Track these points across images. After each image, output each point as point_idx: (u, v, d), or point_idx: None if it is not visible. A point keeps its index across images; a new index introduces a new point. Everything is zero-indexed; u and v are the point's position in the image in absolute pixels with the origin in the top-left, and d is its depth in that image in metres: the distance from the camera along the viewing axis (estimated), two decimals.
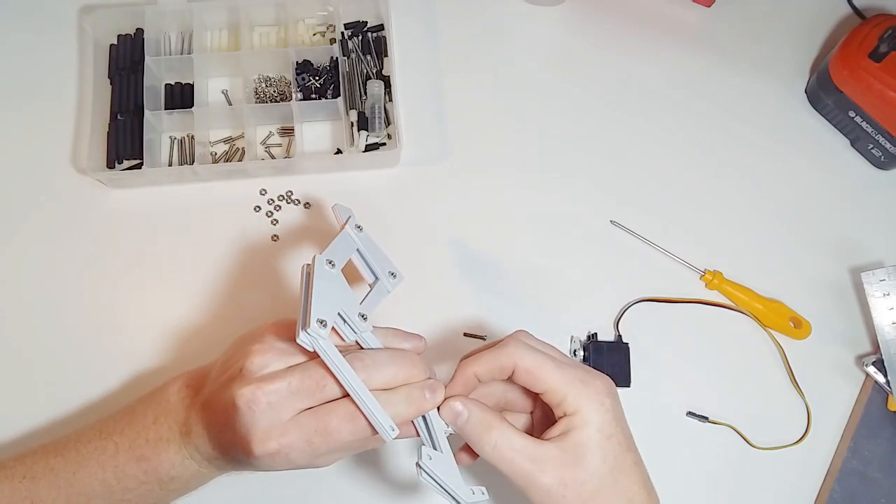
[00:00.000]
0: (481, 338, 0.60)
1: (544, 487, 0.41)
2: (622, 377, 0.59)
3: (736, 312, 0.62)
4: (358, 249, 0.48)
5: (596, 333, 0.61)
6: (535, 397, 0.47)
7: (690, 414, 0.59)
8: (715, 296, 0.62)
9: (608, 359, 0.59)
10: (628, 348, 0.60)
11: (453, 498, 0.42)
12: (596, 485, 0.41)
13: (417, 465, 0.42)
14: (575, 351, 0.60)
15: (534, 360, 0.43)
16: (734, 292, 0.62)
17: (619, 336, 0.61)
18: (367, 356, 0.43)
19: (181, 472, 0.47)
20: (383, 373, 0.43)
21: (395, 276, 0.49)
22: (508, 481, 0.42)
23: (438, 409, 0.44)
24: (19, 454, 0.49)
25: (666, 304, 0.62)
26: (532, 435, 0.43)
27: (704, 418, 0.59)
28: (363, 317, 0.44)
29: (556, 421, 0.43)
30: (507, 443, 0.42)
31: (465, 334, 0.60)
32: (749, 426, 0.59)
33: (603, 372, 0.58)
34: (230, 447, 0.43)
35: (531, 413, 0.48)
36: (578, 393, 0.42)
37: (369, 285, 0.49)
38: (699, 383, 0.60)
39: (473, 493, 0.43)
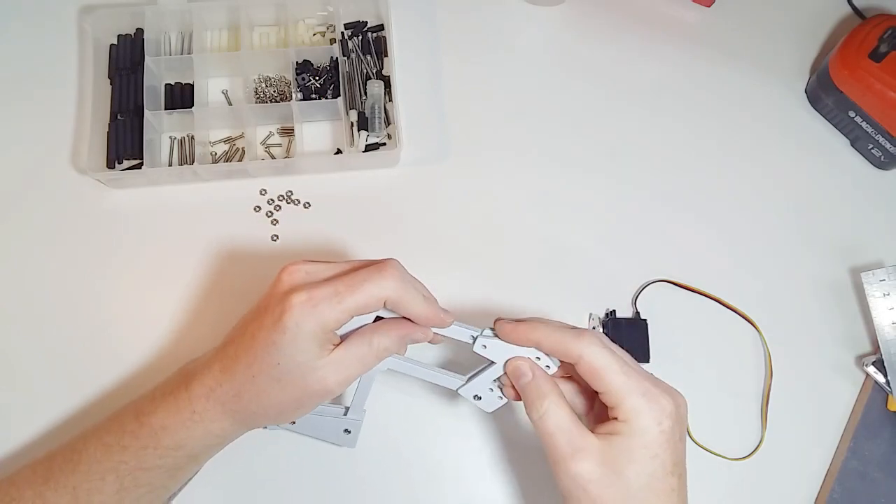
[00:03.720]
0: None
1: (571, 473, 0.41)
2: (641, 352, 0.59)
3: (741, 318, 0.62)
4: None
5: (614, 310, 0.61)
6: (593, 397, 0.47)
7: None
8: (728, 295, 0.62)
9: (627, 335, 0.60)
10: (647, 324, 0.60)
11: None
12: (621, 496, 0.41)
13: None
14: (594, 328, 0.61)
15: (603, 358, 0.42)
16: None
17: (637, 313, 0.61)
18: (404, 269, 0.46)
19: (174, 423, 0.46)
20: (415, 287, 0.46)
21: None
22: (543, 450, 0.43)
23: (505, 364, 0.47)
24: (11, 475, 0.48)
25: (681, 289, 0.62)
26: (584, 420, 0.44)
27: None
28: None
29: (609, 420, 0.43)
30: (554, 417, 0.43)
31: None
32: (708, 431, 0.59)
33: (622, 348, 0.59)
34: (254, 328, 0.44)
35: (587, 414, 0.48)
36: (638, 404, 0.42)
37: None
38: (690, 375, 0.60)
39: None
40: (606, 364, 0.42)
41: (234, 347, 0.45)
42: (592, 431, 0.43)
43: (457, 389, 0.50)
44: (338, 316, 0.43)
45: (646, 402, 0.42)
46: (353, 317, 0.44)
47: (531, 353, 0.47)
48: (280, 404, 0.45)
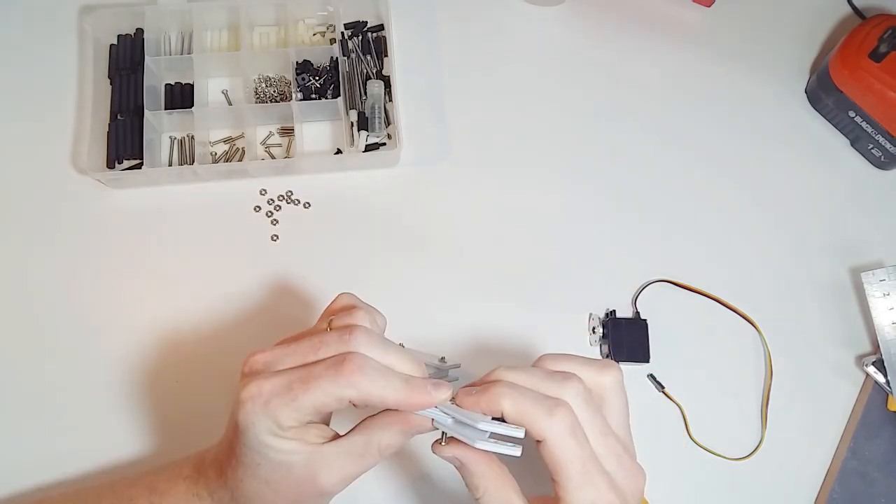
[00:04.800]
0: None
1: None
2: (642, 352, 0.60)
3: (743, 319, 0.62)
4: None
5: (615, 310, 0.61)
6: None
7: (651, 376, 0.60)
8: (728, 295, 0.62)
9: (628, 335, 0.60)
10: (647, 324, 0.60)
11: (470, 428, 0.39)
12: None
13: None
14: (594, 328, 0.61)
15: (567, 450, 0.37)
16: None
17: (637, 313, 0.61)
18: (376, 334, 0.40)
19: None
20: (386, 357, 0.39)
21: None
22: None
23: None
24: (65, 493, 0.49)
25: (681, 289, 0.62)
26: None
27: (661, 386, 0.60)
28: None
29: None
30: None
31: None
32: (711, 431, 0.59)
33: (622, 348, 0.59)
34: (228, 433, 0.41)
35: None
36: None
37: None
38: (690, 375, 0.60)
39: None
40: (569, 458, 0.37)
41: (225, 447, 0.42)
42: None
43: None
44: (293, 415, 0.38)
45: None
46: (311, 416, 0.39)
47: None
48: (279, 499, 0.41)
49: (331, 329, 0.41)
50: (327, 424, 0.43)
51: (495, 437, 0.38)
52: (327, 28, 0.70)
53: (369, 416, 0.41)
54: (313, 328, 0.43)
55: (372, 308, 0.44)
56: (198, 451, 0.47)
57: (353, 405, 0.39)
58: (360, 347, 0.39)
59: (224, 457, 0.42)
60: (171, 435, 0.57)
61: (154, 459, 0.56)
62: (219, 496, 0.43)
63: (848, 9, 0.73)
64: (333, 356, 0.38)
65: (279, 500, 0.40)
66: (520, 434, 0.38)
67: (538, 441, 0.38)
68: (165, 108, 0.66)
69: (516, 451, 0.38)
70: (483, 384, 0.40)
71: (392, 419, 0.40)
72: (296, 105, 0.64)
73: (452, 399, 0.40)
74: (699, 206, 0.66)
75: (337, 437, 0.41)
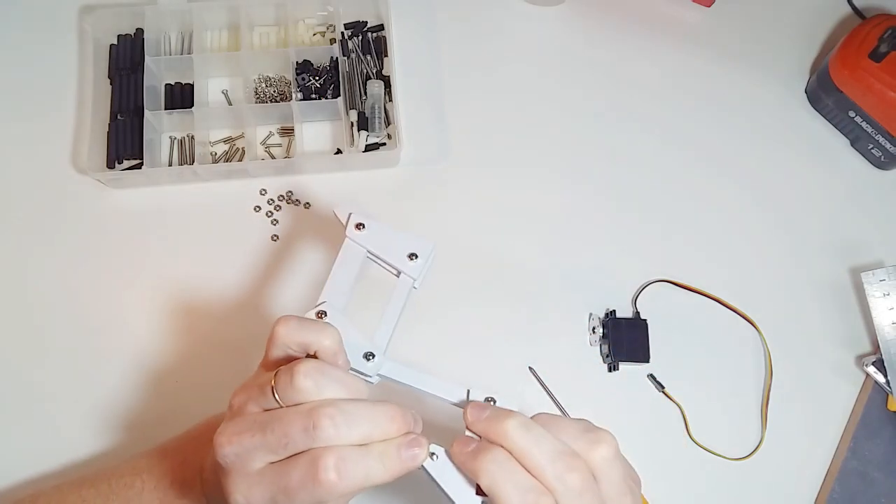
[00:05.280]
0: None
1: None
2: (642, 352, 0.60)
3: (741, 318, 0.62)
4: (368, 252, 0.45)
5: (615, 310, 0.61)
6: None
7: (650, 376, 0.60)
8: (728, 295, 0.62)
9: (627, 335, 0.60)
10: (647, 324, 0.60)
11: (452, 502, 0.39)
12: None
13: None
14: (594, 328, 0.61)
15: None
16: None
17: (637, 313, 0.61)
18: (338, 412, 0.36)
19: None
20: (357, 430, 0.36)
21: (416, 257, 0.44)
22: None
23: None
24: (59, 483, 0.49)
25: (681, 289, 0.62)
26: None
27: (661, 386, 0.60)
28: (369, 356, 0.41)
29: None
30: None
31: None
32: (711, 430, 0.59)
33: (622, 348, 0.58)
34: (221, 494, 0.40)
35: None
36: None
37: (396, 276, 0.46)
38: (690, 375, 0.60)
39: None
40: None
41: (221, 496, 0.40)
42: None
43: None
44: None
45: None
46: None
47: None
48: None
49: (275, 390, 0.37)
50: None
51: None
52: (327, 28, 0.70)
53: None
54: (262, 388, 0.38)
55: (316, 331, 0.39)
56: (193, 442, 0.47)
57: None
58: (329, 439, 0.36)
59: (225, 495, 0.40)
60: (170, 435, 0.57)
61: None
62: None
63: (848, 9, 0.73)
64: (306, 456, 0.36)
65: None
66: None
67: None
68: (165, 108, 0.66)
69: None
70: (485, 432, 0.38)
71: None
72: (296, 105, 0.64)
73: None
74: (699, 206, 0.66)
75: None
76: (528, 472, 0.36)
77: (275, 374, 0.37)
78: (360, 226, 0.45)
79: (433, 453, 0.38)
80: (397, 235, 0.45)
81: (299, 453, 0.36)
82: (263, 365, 0.41)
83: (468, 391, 0.41)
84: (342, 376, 0.38)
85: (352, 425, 0.36)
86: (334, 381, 0.37)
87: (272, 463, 0.37)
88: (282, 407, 0.37)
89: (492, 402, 0.41)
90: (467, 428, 0.38)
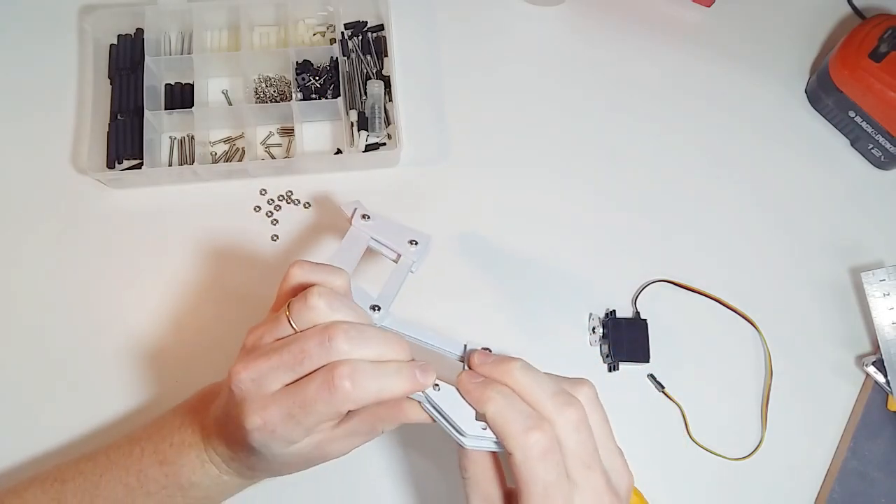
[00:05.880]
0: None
1: None
2: (642, 352, 0.60)
3: (741, 318, 0.62)
4: (372, 238, 0.49)
5: (615, 310, 0.61)
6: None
7: (650, 376, 0.60)
8: (728, 295, 0.62)
9: (627, 335, 0.60)
10: (647, 324, 0.60)
11: (456, 430, 0.40)
12: None
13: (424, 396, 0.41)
14: (594, 328, 0.61)
15: (531, 475, 0.37)
16: None
17: (637, 313, 0.61)
18: (352, 328, 0.39)
19: (201, 479, 0.46)
20: (369, 349, 0.39)
21: (416, 243, 0.49)
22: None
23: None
24: (59, 462, 0.50)
25: (681, 289, 0.62)
26: None
27: (661, 386, 0.60)
28: (375, 308, 0.44)
29: None
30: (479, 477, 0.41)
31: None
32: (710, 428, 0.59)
33: (622, 347, 0.59)
34: (231, 431, 0.43)
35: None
36: None
37: (393, 261, 0.50)
38: (690, 375, 0.60)
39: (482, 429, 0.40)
40: (532, 481, 0.37)
41: (232, 438, 0.43)
42: None
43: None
44: (300, 432, 0.40)
45: None
46: (317, 427, 0.40)
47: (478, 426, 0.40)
48: (291, 468, 0.45)
49: (289, 315, 0.40)
50: None
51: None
52: (327, 28, 0.70)
53: (371, 411, 0.43)
54: (277, 317, 0.41)
55: (328, 272, 0.42)
56: (190, 408, 0.48)
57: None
58: (343, 353, 0.38)
59: (233, 442, 0.43)
60: None
61: None
62: (235, 465, 0.46)
63: (848, 9, 0.73)
64: (322, 370, 0.38)
65: (292, 468, 0.45)
66: (496, 448, 0.40)
67: (508, 454, 0.38)
68: (165, 108, 0.66)
69: (501, 449, 0.39)
70: (490, 373, 0.41)
71: (393, 412, 0.43)
72: (296, 105, 0.64)
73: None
74: (699, 206, 0.66)
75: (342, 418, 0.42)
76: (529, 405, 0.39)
77: (288, 304, 0.40)
78: (365, 216, 0.49)
79: (437, 384, 0.41)
80: (399, 226, 0.50)
81: (314, 371, 0.39)
82: (274, 309, 0.43)
83: (465, 345, 0.44)
84: (353, 304, 0.41)
85: (364, 344, 0.39)
86: (346, 307, 0.40)
87: (287, 385, 0.39)
88: (297, 332, 0.40)
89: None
90: (472, 370, 0.42)
